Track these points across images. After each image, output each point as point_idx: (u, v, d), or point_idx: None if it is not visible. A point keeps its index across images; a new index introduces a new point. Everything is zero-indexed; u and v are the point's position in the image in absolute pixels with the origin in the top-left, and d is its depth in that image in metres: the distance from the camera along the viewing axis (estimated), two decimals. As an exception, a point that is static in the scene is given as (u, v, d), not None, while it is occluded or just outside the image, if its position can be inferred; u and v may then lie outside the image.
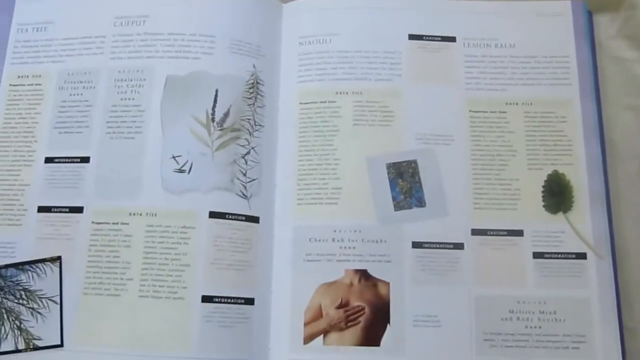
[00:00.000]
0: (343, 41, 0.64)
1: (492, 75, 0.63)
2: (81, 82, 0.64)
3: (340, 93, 0.62)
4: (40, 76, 0.64)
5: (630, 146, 0.61)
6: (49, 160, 0.62)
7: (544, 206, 0.60)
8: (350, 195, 0.60)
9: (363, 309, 0.57)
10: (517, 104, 0.62)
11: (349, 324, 0.57)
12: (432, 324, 0.57)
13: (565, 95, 0.63)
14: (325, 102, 0.62)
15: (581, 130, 0.61)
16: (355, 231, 0.59)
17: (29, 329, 0.58)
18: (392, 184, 0.60)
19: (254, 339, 0.57)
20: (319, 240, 0.59)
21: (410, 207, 0.60)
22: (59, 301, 0.58)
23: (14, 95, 0.64)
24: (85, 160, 0.61)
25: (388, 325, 0.57)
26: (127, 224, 0.59)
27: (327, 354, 0.56)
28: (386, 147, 0.61)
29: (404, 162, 0.61)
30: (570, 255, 0.58)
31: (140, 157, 0.61)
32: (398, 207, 0.60)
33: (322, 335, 0.57)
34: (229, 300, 0.57)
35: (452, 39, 0.64)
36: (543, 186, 0.60)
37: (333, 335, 0.57)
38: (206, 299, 0.57)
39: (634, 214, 0.60)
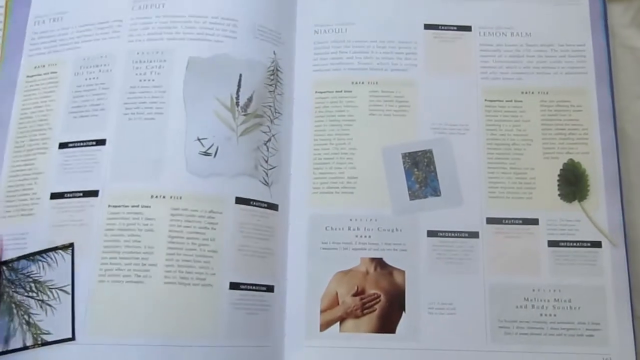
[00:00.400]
0: (359, 31, 0.64)
1: (508, 64, 0.63)
2: (97, 65, 0.62)
3: (356, 83, 0.63)
4: (56, 64, 0.63)
5: (642, 135, 0.62)
6: (63, 145, 0.60)
7: (559, 195, 0.60)
8: (365, 184, 0.60)
9: (379, 296, 0.58)
10: (532, 93, 0.63)
11: (365, 311, 0.58)
12: (447, 311, 0.57)
13: (581, 84, 0.63)
14: (341, 91, 0.63)
15: (597, 119, 0.61)
16: (370, 220, 0.59)
17: (37, 323, 0.54)
18: (408, 174, 0.61)
19: (274, 326, 0.57)
20: (335, 229, 0.59)
21: (425, 197, 0.60)
22: (70, 291, 0.55)
23: (30, 86, 0.63)
24: (101, 142, 0.59)
25: (403, 312, 0.57)
26: (149, 207, 0.57)
27: (343, 341, 0.57)
28: (402, 137, 0.61)
29: (420, 151, 0.61)
30: (585, 244, 0.59)
31: (161, 138, 0.59)
32: (413, 196, 0.60)
33: (338, 323, 0.58)
34: (254, 288, 0.57)
35: (467, 28, 0.64)
36: (559, 175, 0.60)
37: (349, 323, 0.58)
38: (233, 285, 0.56)
39: (646, 203, 0.60)
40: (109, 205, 0.57)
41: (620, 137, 0.61)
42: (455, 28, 0.64)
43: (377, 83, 0.63)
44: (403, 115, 0.62)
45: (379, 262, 0.59)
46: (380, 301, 0.58)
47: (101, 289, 0.55)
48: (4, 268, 0.57)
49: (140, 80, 0.61)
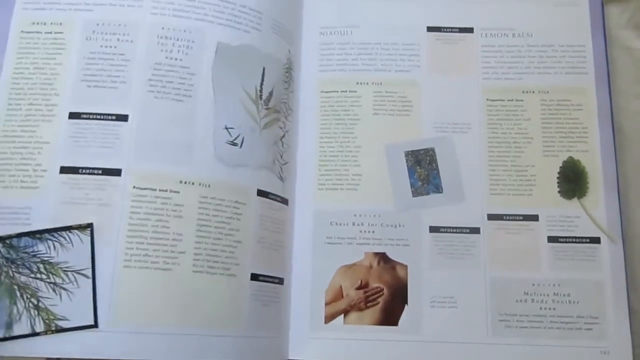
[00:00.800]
0: (363, 33, 0.66)
1: (509, 64, 0.65)
2: (114, 33, 0.58)
3: (361, 83, 0.65)
4: (61, 24, 0.58)
5: (638, 133, 0.63)
6: (74, 115, 0.56)
7: (559, 192, 0.61)
8: (370, 181, 0.62)
9: (382, 290, 0.60)
10: (533, 92, 0.64)
11: (369, 304, 0.59)
12: (448, 305, 0.59)
13: (581, 84, 0.64)
14: (346, 91, 0.65)
15: (596, 118, 0.63)
16: (374, 216, 0.61)
17: (50, 308, 0.50)
18: (411, 171, 0.62)
19: (283, 317, 0.59)
20: (340, 224, 0.61)
21: (427, 193, 0.62)
22: (91, 275, 0.51)
23: (27, 43, 0.58)
24: (123, 118, 0.56)
25: (406, 305, 0.59)
26: (178, 192, 0.55)
27: (347, 333, 0.59)
28: (405, 136, 0.63)
29: (422, 149, 0.63)
30: (584, 240, 0.60)
31: (190, 121, 0.57)
32: (416, 193, 0.62)
33: (342, 315, 0.59)
34: (269, 280, 0.58)
35: (469, 30, 0.66)
36: (558, 172, 0.62)
37: (353, 315, 0.59)
38: (254, 277, 0.57)
39: (641, 200, 0.61)
40: (134, 187, 0.54)
41: (618, 135, 0.62)
42: (457, 30, 0.66)
43: (381, 83, 0.64)
44: (406, 114, 0.64)
45: (382, 257, 0.60)
46: (384, 294, 0.59)
47: (127, 274, 0.53)
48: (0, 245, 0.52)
49: (167, 58, 0.58)
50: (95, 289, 0.52)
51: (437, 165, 0.62)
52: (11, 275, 0.51)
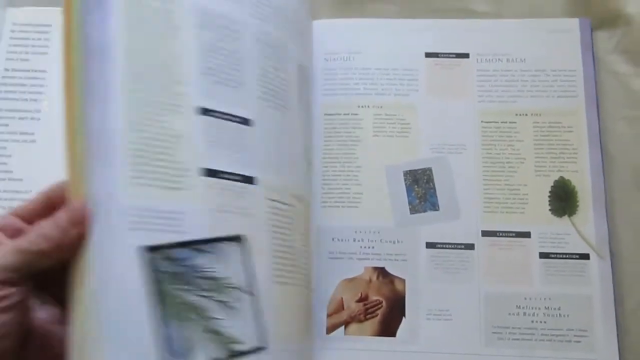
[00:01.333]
0: (365, 59, 0.69)
1: (503, 88, 0.68)
2: (225, 27, 0.50)
3: (362, 106, 0.68)
4: (173, 2, 0.47)
5: (624, 155, 0.65)
6: (204, 111, 0.47)
7: (550, 210, 0.64)
8: (370, 199, 0.65)
9: (381, 302, 0.62)
10: (526, 114, 0.67)
11: (368, 316, 0.62)
12: (444, 317, 0.61)
13: (572, 107, 0.66)
14: (348, 114, 0.68)
15: (586, 139, 0.65)
16: (374, 232, 0.64)
17: (222, 331, 0.43)
18: (409, 190, 0.65)
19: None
20: (341, 240, 0.64)
21: (425, 211, 0.65)
22: (250, 291, 0.46)
23: (138, 15, 0.45)
24: (246, 122, 0.49)
25: (403, 318, 0.62)
26: (294, 206, 0.53)
27: (348, 343, 0.61)
28: (403, 156, 0.66)
29: (420, 169, 0.66)
30: (574, 256, 0.62)
31: (292, 134, 0.55)
32: (414, 210, 0.65)
33: (343, 326, 0.62)
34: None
35: (465, 55, 0.69)
36: (550, 191, 0.64)
37: (353, 326, 0.62)
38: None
39: (627, 219, 0.63)
40: (266, 198, 0.50)
41: (605, 156, 0.65)
42: (454, 55, 0.69)
43: (381, 107, 0.67)
44: (405, 136, 0.67)
45: (381, 271, 0.63)
46: (382, 307, 0.62)
47: (278, 290, 0.49)
48: (154, 255, 0.41)
49: (266, 64, 0.53)
50: (260, 307, 0.47)
51: (433, 184, 0.65)
52: (177, 293, 0.42)
